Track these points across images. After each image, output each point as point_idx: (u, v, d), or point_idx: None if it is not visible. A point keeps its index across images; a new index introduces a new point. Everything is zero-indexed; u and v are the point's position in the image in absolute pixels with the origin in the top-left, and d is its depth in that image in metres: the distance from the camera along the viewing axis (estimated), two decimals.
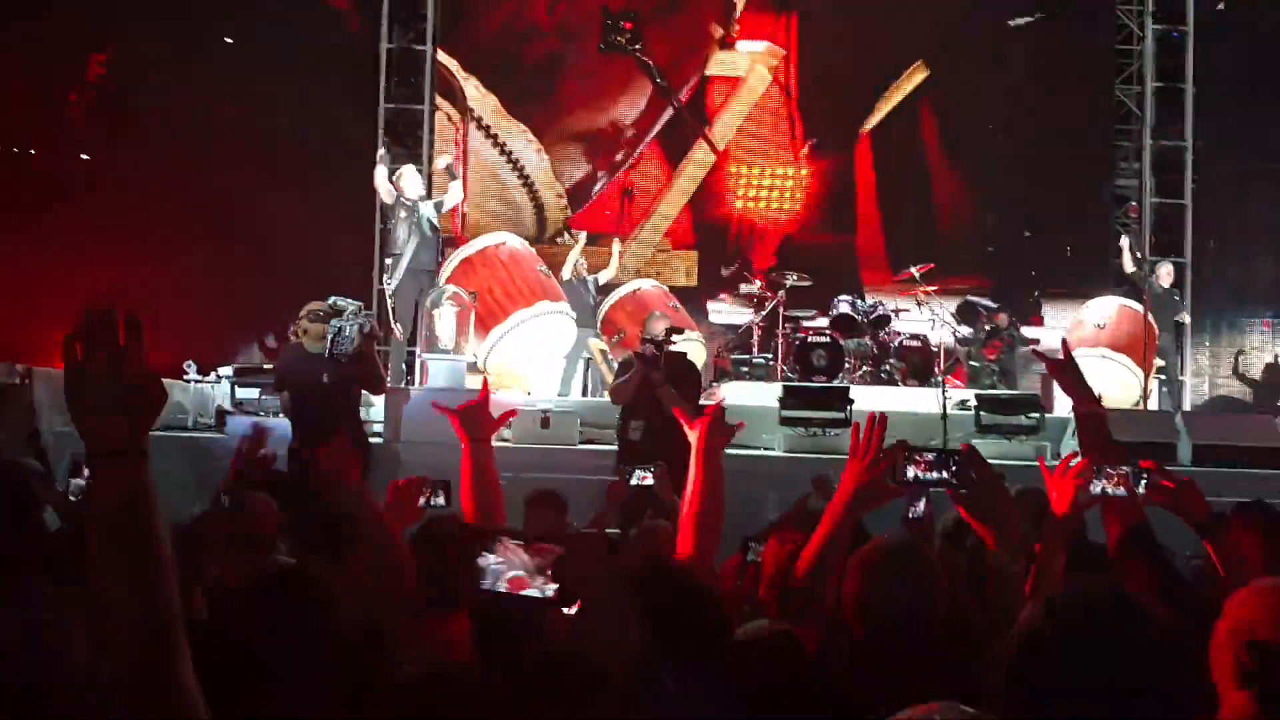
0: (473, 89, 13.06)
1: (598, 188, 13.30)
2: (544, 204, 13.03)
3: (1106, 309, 10.69)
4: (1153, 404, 10.66)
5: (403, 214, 9.51)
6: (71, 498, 3.95)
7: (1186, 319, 11.13)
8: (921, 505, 3.50)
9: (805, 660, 2.67)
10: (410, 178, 9.87)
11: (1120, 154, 13.83)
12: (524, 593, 1.79)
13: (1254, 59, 13.43)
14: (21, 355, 8.20)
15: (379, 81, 12.60)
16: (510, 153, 13.10)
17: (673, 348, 7.16)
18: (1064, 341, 2.67)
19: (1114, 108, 13.70)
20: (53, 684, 1.53)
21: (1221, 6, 13.67)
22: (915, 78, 13.40)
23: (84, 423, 1.25)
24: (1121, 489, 2.54)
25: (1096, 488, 2.56)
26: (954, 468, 2.44)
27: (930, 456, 2.45)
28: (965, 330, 11.17)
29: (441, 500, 3.28)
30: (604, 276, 10.77)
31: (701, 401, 10.01)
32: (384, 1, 12.71)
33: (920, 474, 2.45)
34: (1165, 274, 11.10)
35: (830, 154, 13.40)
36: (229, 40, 11.97)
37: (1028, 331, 11.84)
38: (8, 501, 3.02)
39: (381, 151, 10.10)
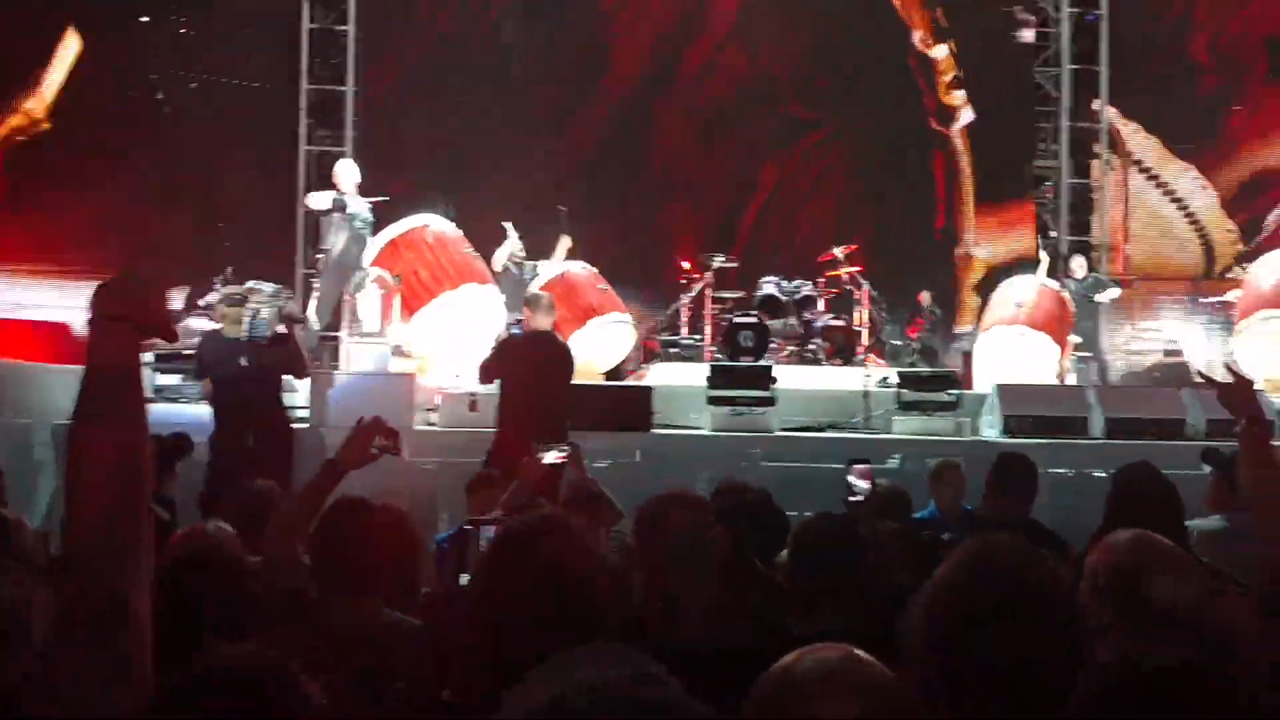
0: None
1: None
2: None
3: (1026, 288, 10.93)
4: (1070, 380, 10.94)
5: (335, 210, 9.30)
6: None
7: (1106, 298, 11.33)
8: (865, 484, 3.50)
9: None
10: (347, 171, 9.68)
11: (1040, 135, 14.13)
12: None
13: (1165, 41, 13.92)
14: None
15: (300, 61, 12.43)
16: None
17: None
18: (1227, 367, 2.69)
19: (1033, 89, 13.99)
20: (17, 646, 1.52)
21: None
22: None
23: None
24: None
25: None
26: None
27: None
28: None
29: (394, 450, 3.27)
30: (545, 267, 10.58)
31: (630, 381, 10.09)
32: None
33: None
34: (1078, 265, 11.33)
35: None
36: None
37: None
38: None
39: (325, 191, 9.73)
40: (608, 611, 1.72)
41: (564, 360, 7.08)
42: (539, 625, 1.59)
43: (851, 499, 3.47)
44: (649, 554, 2.18)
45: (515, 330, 7.09)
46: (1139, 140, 14.23)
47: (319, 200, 9.46)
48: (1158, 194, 14.27)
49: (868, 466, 3.47)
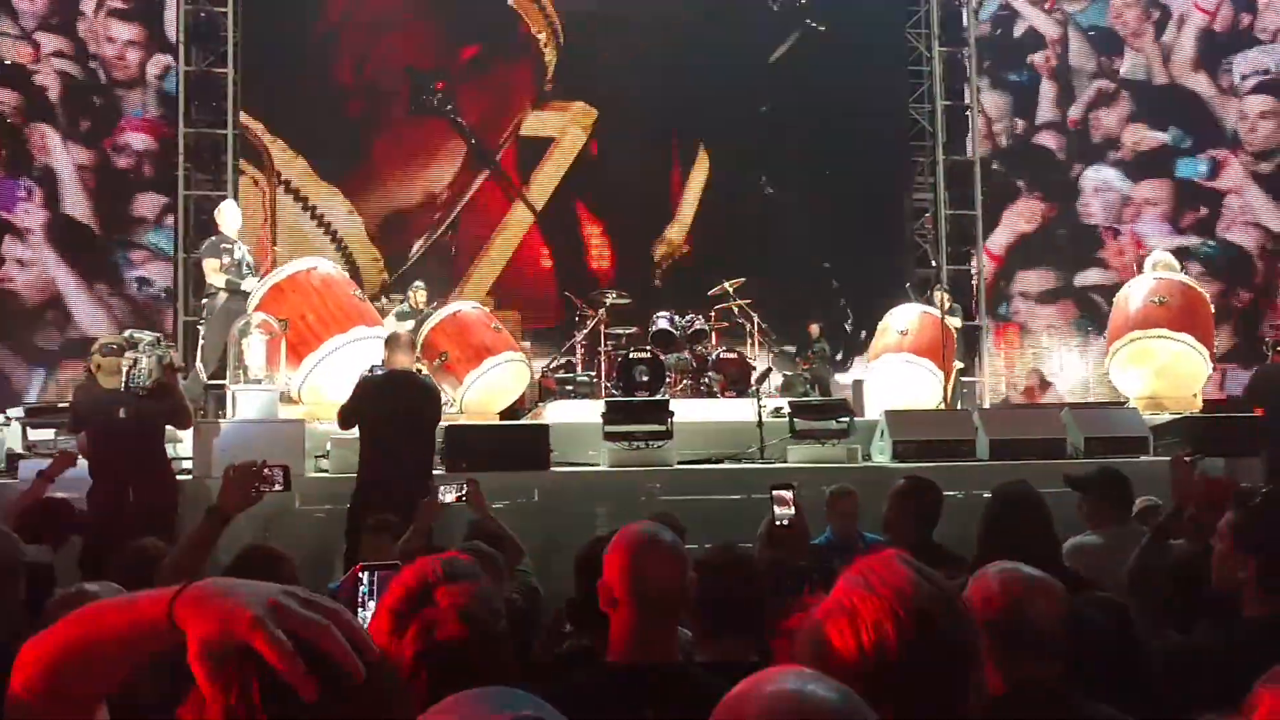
0: (279, 151, 12.83)
1: (415, 250, 13.11)
2: (359, 267, 12.74)
3: (909, 316, 11.23)
4: (957, 404, 11.25)
5: (221, 253, 9.29)
6: None
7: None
8: (790, 510, 3.45)
9: None
10: (229, 213, 9.63)
11: (916, 169, 14.59)
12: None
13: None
14: None
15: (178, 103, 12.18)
16: (321, 215, 12.83)
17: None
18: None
19: (908, 125, 14.45)
20: None
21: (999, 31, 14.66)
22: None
23: None
24: None
25: None
26: None
27: None
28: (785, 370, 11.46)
29: (279, 486, 3.15)
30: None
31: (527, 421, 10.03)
32: (180, 22, 12.31)
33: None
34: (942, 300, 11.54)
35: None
36: None
37: (840, 378, 12.40)
38: None
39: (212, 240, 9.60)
40: (507, 659, 1.73)
41: (426, 398, 6.82)
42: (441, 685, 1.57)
43: (778, 524, 3.46)
44: (632, 595, 2.26)
45: (378, 370, 6.88)
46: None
47: (215, 279, 9.34)
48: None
49: (791, 492, 3.45)
